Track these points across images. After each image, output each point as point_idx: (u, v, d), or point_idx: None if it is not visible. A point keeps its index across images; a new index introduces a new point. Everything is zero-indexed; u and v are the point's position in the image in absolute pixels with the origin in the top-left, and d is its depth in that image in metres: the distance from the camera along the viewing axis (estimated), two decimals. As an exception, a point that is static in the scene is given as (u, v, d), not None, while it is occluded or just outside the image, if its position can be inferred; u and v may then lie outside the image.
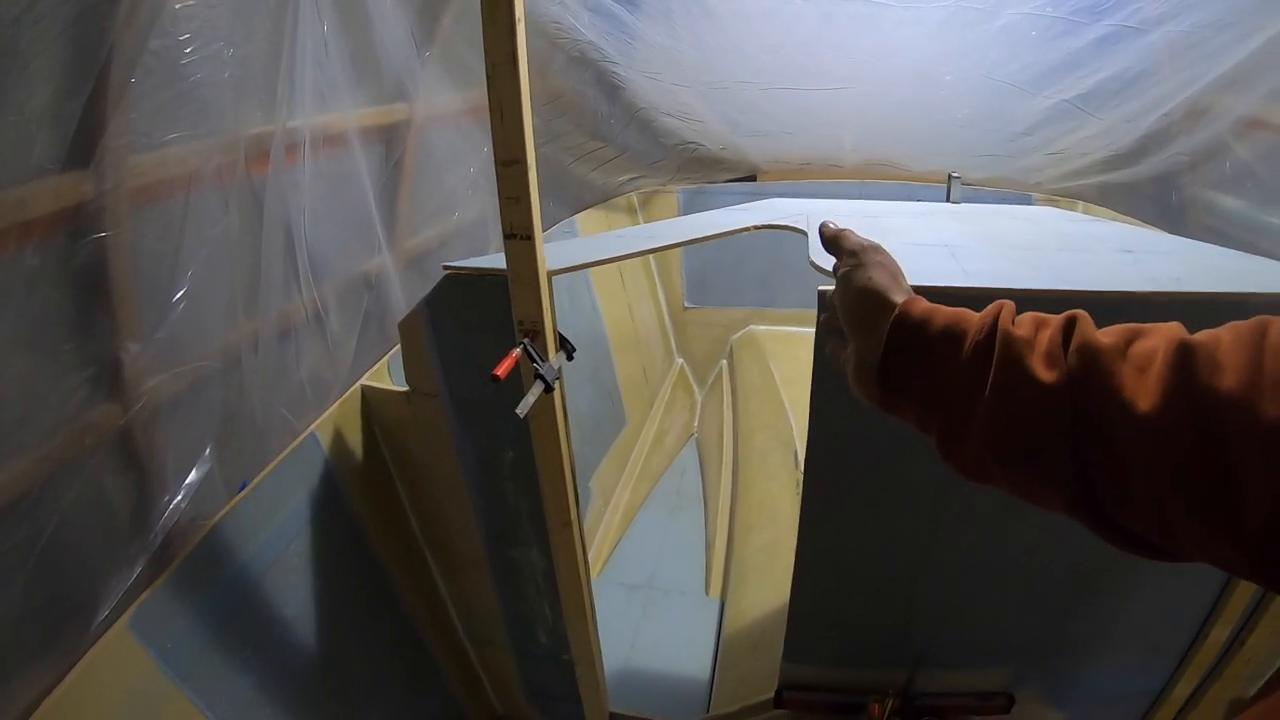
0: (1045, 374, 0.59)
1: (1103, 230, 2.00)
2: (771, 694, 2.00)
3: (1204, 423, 0.50)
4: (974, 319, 0.66)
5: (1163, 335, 0.55)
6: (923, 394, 0.69)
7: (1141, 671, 1.94)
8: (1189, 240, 1.85)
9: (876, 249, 0.79)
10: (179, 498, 1.43)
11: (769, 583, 2.52)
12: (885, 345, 0.71)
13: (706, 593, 2.90)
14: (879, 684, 1.92)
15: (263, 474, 1.66)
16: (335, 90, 1.86)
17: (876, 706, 1.88)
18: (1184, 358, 0.53)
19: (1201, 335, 0.53)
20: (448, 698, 2.28)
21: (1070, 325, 0.61)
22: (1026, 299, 1.35)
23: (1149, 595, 1.74)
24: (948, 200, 2.56)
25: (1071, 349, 0.59)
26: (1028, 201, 3.73)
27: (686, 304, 4.38)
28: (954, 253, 1.61)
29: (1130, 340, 0.57)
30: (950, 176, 2.57)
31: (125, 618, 1.31)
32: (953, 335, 0.67)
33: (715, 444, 3.71)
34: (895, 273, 0.78)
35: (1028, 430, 0.60)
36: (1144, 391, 0.54)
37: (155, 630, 1.36)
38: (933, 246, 1.67)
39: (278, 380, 1.76)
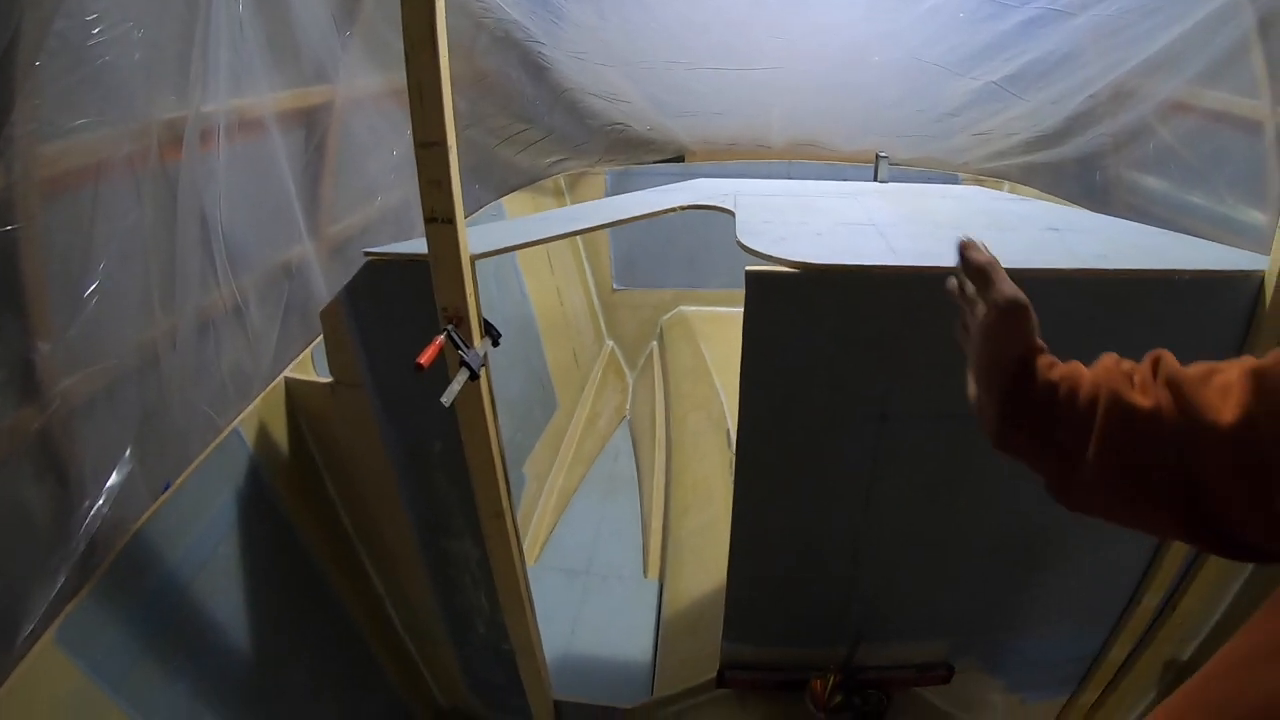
0: (1143, 401, 0.69)
1: (1028, 209, 2.05)
2: (713, 674, 2.02)
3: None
4: (1085, 375, 0.75)
5: (1236, 366, 0.65)
6: (1039, 438, 0.78)
7: (1077, 638, 2.02)
8: (1113, 218, 1.91)
9: (1018, 307, 0.82)
10: (100, 502, 1.36)
11: (706, 563, 2.54)
12: (1008, 399, 0.80)
13: (645, 575, 2.91)
14: (820, 661, 1.95)
15: (186, 473, 1.60)
16: (252, 73, 1.79)
17: (819, 683, 1.91)
18: (1259, 380, 0.62)
19: (1268, 360, 0.62)
20: (390, 693, 2.24)
21: (1156, 362, 0.71)
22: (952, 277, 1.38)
23: (1082, 567, 1.80)
24: (875, 180, 2.60)
25: (1159, 380, 0.69)
26: (954, 181, 3.81)
27: (615, 286, 4.37)
28: (881, 231, 1.64)
29: (1210, 374, 0.66)
30: (878, 156, 2.61)
31: (51, 631, 1.25)
32: (1069, 390, 0.76)
33: (648, 426, 3.71)
34: (1031, 330, 0.83)
35: (1135, 452, 0.69)
36: (1227, 410, 0.62)
37: (84, 642, 1.31)
38: (861, 225, 1.70)
39: (198, 376, 1.69)
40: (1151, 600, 1.85)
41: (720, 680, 2.02)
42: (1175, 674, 2.06)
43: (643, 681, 2.36)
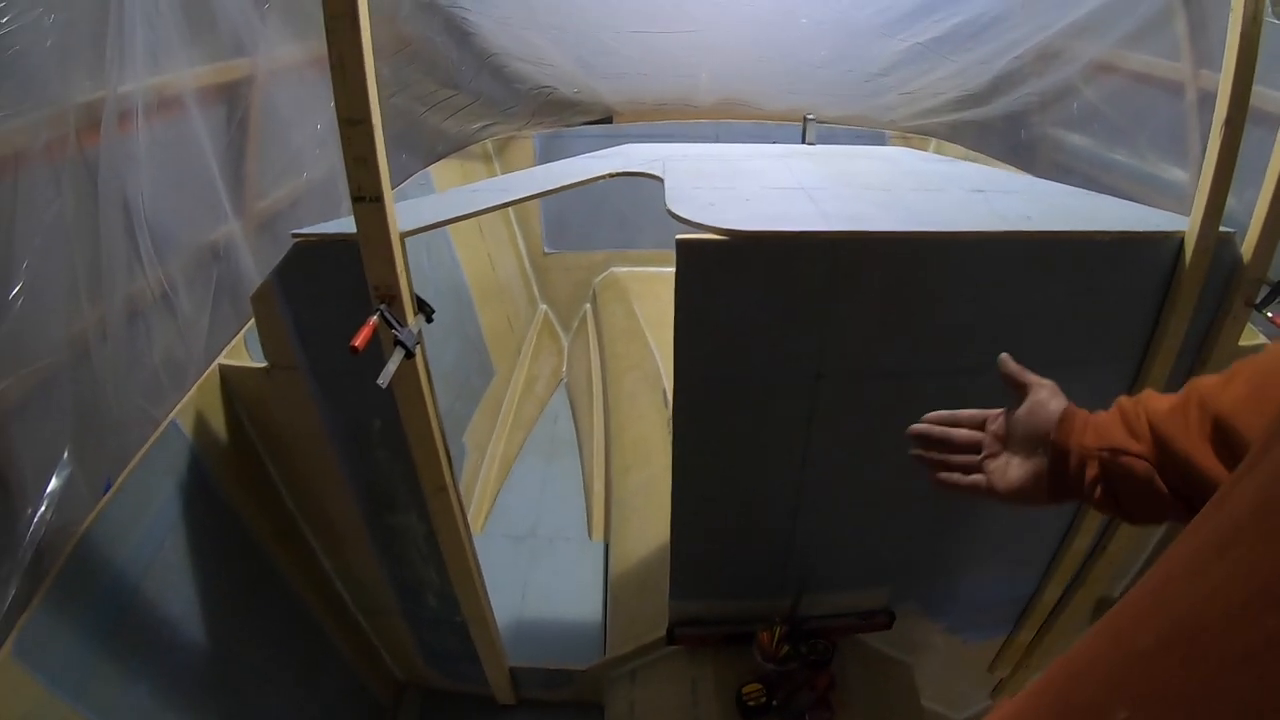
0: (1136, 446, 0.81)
1: (956, 170, 2.09)
2: (663, 631, 2.07)
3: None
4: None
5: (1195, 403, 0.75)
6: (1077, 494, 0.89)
7: (1013, 582, 2.12)
8: (1038, 180, 1.96)
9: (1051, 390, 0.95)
10: (43, 508, 1.32)
11: (650, 522, 2.59)
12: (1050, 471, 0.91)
13: (590, 537, 2.95)
14: (766, 612, 2.02)
15: (126, 471, 1.56)
16: (169, 49, 1.72)
17: (766, 635, 1.98)
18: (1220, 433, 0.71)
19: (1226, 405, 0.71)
20: (347, 672, 2.24)
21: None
22: (882, 241, 1.42)
23: (1012, 514, 1.89)
24: (803, 141, 2.63)
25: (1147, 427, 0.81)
26: (881, 140, 3.86)
27: (546, 249, 4.34)
28: (811, 195, 1.65)
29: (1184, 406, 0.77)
30: (805, 118, 2.63)
31: (7, 646, 1.22)
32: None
33: (585, 388, 3.73)
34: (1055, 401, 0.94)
35: (1139, 490, 0.81)
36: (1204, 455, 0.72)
37: (40, 654, 1.28)
38: (791, 190, 1.71)
39: (131, 369, 1.63)
40: (1082, 543, 1.95)
41: (670, 637, 2.07)
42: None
43: (595, 642, 2.41)
